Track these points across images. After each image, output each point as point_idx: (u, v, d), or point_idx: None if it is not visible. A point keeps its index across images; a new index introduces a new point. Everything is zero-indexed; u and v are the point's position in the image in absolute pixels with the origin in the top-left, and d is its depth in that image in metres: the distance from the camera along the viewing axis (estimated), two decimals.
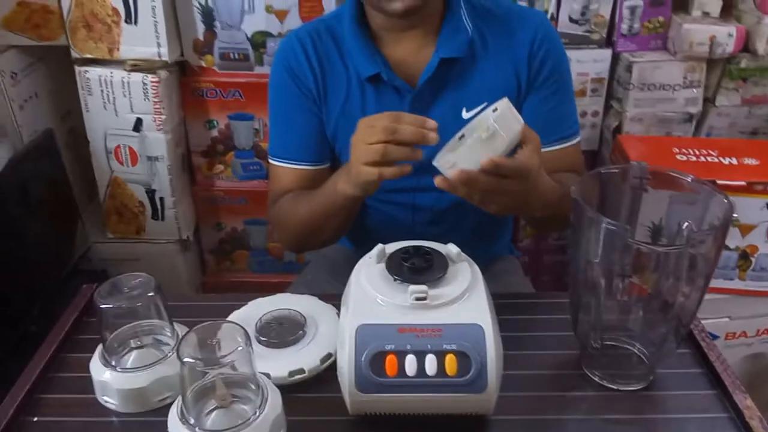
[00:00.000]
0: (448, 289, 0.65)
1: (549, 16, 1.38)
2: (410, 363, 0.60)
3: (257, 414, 0.58)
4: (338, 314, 0.75)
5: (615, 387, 0.71)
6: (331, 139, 0.94)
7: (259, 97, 1.42)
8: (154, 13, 1.30)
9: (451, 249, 0.70)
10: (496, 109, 0.72)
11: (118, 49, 1.34)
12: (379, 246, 0.70)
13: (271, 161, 0.97)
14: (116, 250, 1.53)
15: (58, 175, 1.44)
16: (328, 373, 0.70)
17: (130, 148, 1.41)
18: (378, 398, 0.61)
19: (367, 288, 0.66)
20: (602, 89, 1.47)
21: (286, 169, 0.94)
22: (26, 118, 1.38)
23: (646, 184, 0.71)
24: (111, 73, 1.34)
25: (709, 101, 1.46)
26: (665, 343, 0.69)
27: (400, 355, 0.60)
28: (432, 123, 0.70)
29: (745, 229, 1.24)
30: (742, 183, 1.19)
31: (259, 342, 0.73)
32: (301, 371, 0.70)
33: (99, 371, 0.68)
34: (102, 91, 1.35)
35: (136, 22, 1.31)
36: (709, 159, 1.27)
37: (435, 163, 0.70)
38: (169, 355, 0.68)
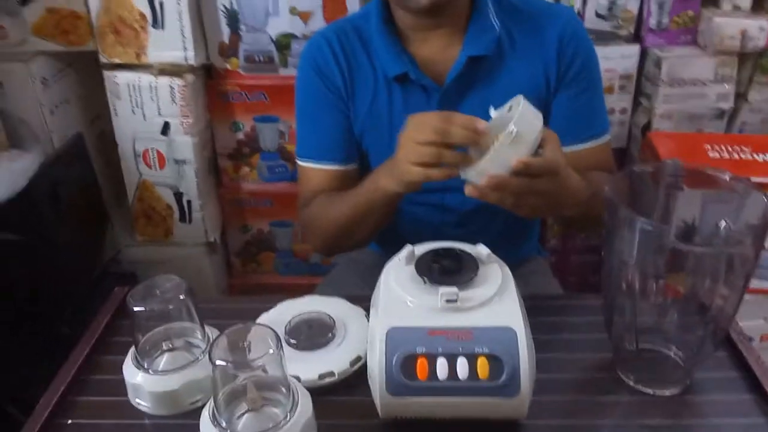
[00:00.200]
0: (478, 291, 0.64)
1: (575, 12, 1.36)
2: (441, 366, 0.59)
3: (288, 417, 0.58)
4: (367, 316, 0.75)
5: (650, 391, 0.69)
6: (358, 138, 0.94)
7: (284, 99, 1.42)
8: (180, 17, 1.31)
9: (481, 250, 0.69)
10: (510, 108, 0.71)
11: (145, 54, 1.35)
12: (408, 247, 0.69)
13: (299, 162, 0.96)
14: (145, 253, 1.55)
15: (88, 179, 1.47)
16: (358, 375, 0.69)
17: (158, 151, 1.42)
18: (409, 402, 0.60)
19: (396, 290, 0.65)
20: (630, 86, 1.44)
21: (315, 170, 0.94)
22: (57, 123, 1.40)
23: (681, 183, 0.69)
24: (139, 77, 1.36)
25: (741, 96, 1.43)
26: (702, 347, 0.67)
27: (431, 359, 0.59)
28: (482, 125, 0.68)
29: None
30: None
31: (289, 344, 0.73)
32: (331, 374, 0.69)
33: (132, 374, 0.68)
34: (130, 95, 1.37)
35: (162, 27, 1.33)
36: (742, 156, 1.24)
37: (462, 174, 0.69)
38: (200, 357, 0.69)
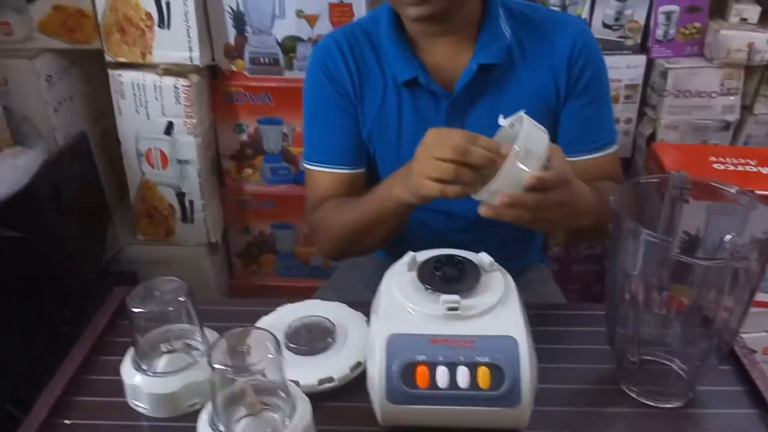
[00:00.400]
0: (480, 300, 0.63)
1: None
2: (442, 375, 0.59)
3: (286, 423, 0.58)
4: (367, 322, 0.74)
5: (653, 404, 0.68)
6: (365, 142, 0.93)
7: (289, 101, 1.42)
8: (187, 18, 1.31)
9: (484, 258, 0.69)
10: (512, 124, 0.71)
11: (150, 53, 1.35)
12: (410, 254, 0.69)
13: (307, 166, 0.95)
14: (146, 253, 1.54)
15: (90, 177, 1.47)
16: (357, 381, 0.69)
17: (161, 151, 1.42)
18: (409, 410, 0.60)
19: (397, 296, 0.65)
20: (636, 96, 1.44)
21: (323, 174, 0.93)
22: (61, 120, 1.40)
23: (686, 195, 0.69)
24: (143, 76, 1.36)
25: (746, 109, 1.43)
26: (706, 360, 0.67)
27: (432, 367, 0.59)
28: (506, 149, 0.67)
29: None
30: None
31: (288, 349, 0.72)
32: (331, 379, 0.69)
33: (130, 375, 0.68)
34: (134, 94, 1.37)
35: (168, 27, 1.33)
36: (747, 168, 1.23)
37: (474, 196, 0.69)
38: (199, 360, 0.68)
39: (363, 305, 0.75)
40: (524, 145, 0.65)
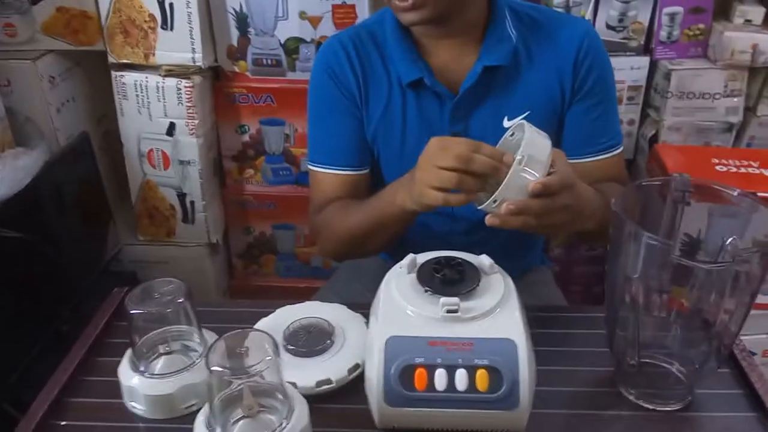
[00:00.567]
0: (480, 302, 0.63)
1: None
2: (440, 377, 0.59)
3: (284, 425, 0.57)
4: (366, 324, 0.74)
5: (651, 407, 0.68)
6: (370, 143, 0.93)
7: (291, 102, 1.42)
8: (190, 19, 1.31)
9: (484, 260, 0.68)
10: (513, 134, 0.72)
11: (153, 55, 1.35)
12: (410, 256, 0.68)
13: (311, 168, 0.95)
14: (146, 253, 1.55)
15: (92, 177, 1.47)
16: (355, 383, 0.69)
17: (163, 152, 1.42)
18: (406, 412, 0.60)
19: (397, 298, 0.64)
20: (639, 97, 1.44)
21: (327, 175, 0.93)
22: (63, 121, 1.40)
23: (688, 198, 0.68)
24: (146, 77, 1.36)
25: (750, 111, 1.42)
26: (705, 363, 0.66)
27: (430, 369, 0.59)
28: (509, 157, 0.67)
29: None
30: None
31: (287, 350, 0.72)
32: (329, 381, 0.69)
33: (127, 376, 0.68)
34: (137, 95, 1.37)
35: (171, 28, 1.33)
36: (750, 170, 1.23)
37: (478, 206, 0.69)
38: (197, 361, 0.68)
39: (363, 306, 0.75)
40: (527, 151, 0.65)
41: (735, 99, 1.39)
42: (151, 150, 1.43)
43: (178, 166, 1.43)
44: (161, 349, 0.70)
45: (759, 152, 1.35)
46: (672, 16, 1.37)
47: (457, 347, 0.59)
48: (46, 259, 1.25)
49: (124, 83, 1.37)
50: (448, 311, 0.61)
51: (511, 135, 0.72)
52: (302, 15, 1.36)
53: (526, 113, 0.87)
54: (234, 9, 1.36)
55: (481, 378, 0.58)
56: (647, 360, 0.69)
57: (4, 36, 1.35)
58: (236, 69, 1.43)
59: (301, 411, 0.59)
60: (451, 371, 0.59)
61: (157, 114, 1.38)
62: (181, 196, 1.47)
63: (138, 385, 0.67)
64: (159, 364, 0.69)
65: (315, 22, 1.36)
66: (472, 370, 0.58)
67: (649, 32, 1.40)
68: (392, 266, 0.70)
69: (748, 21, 1.37)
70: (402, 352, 0.60)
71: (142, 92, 1.37)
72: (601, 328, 0.71)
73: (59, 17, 1.36)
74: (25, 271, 1.19)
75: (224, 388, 0.57)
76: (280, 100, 1.44)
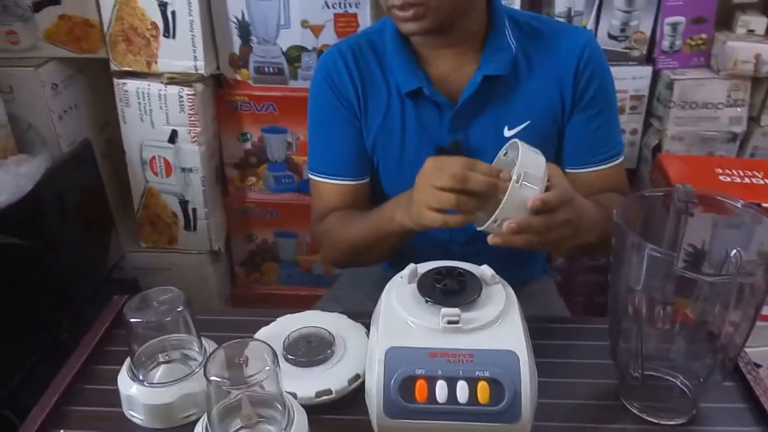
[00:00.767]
0: (481, 313, 0.63)
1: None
2: (441, 389, 0.58)
3: None
4: (367, 334, 0.73)
5: (655, 420, 0.67)
6: (369, 153, 0.93)
7: (293, 110, 1.42)
8: (192, 27, 1.32)
9: (485, 271, 0.68)
10: (506, 152, 0.72)
11: (155, 62, 1.36)
12: (411, 266, 0.68)
13: (311, 176, 0.95)
14: (148, 260, 1.54)
15: (94, 184, 1.47)
16: (355, 394, 0.68)
17: (165, 159, 1.42)
18: (407, 424, 0.59)
19: (397, 309, 0.64)
20: (642, 107, 1.43)
21: (328, 185, 0.93)
22: (65, 128, 1.41)
23: (691, 209, 0.68)
24: (148, 85, 1.36)
25: (753, 120, 1.42)
26: (710, 376, 0.66)
27: (431, 381, 0.58)
28: (506, 173, 0.67)
29: None
30: None
31: (287, 360, 0.72)
32: (329, 392, 0.68)
33: (126, 385, 0.67)
34: (139, 103, 1.37)
35: (174, 36, 1.33)
36: (754, 180, 1.22)
37: (480, 228, 0.69)
38: (196, 371, 0.68)
39: (364, 316, 0.75)
40: (523, 169, 0.65)
41: (738, 109, 1.39)
42: (154, 157, 1.43)
43: (180, 174, 1.43)
44: (160, 358, 0.69)
45: (763, 162, 1.34)
46: (674, 26, 1.37)
47: (458, 359, 0.59)
48: (48, 266, 1.24)
49: (126, 91, 1.37)
50: (449, 322, 0.60)
51: (505, 154, 0.72)
52: (304, 23, 1.36)
53: (526, 123, 0.87)
54: (236, 17, 1.36)
55: (483, 390, 0.57)
56: (651, 372, 0.68)
57: (6, 43, 1.36)
58: (238, 77, 1.43)
59: (301, 421, 0.59)
60: (451, 383, 0.58)
61: (160, 122, 1.38)
62: (183, 203, 1.47)
63: (137, 394, 0.66)
64: (158, 373, 0.68)
65: (317, 30, 1.37)
66: (473, 382, 0.58)
67: (652, 42, 1.40)
68: (393, 276, 0.69)
69: (750, 31, 1.37)
70: (402, 363, 0.59)
71: (144, 100, 1.37)
72: (605, 340, 0.71)
73: (62, 25, 1.36)
74: (26, 278, 1.19)
75: (223, 398, 0.57)
76: (282, 108, 1.44)
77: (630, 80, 1.41)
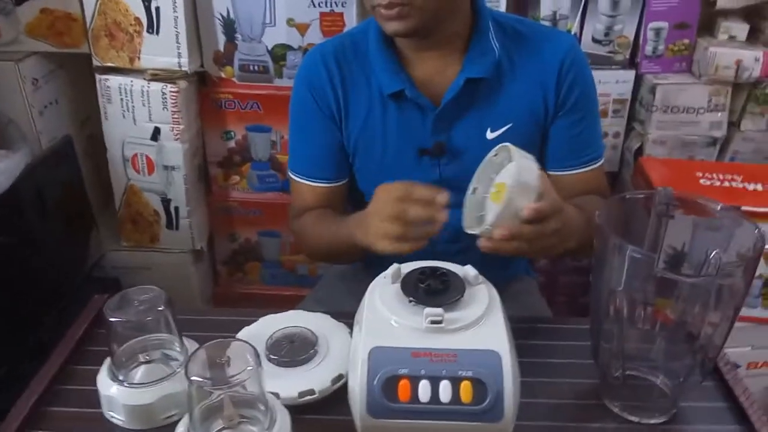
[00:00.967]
0: (464, 313, 0.63)
1: (573, 36, 1.37)
2: (424, 389, 0.58)
3: None
4: (350, 333, 0.73)
5: (636, 419, 0.68)
6: (351, 156, 0.94)
7: (278, 109, 1.41)
8: (176, 23, 1.30)
9: (469, 271, 0.68)
10: (496, 153, 0.72)
11: (138, 59, 1.34)
12: (395, 265, 0.68)
13: (290, 174, 0.97)
14: (130, 259, 1.53)
15: (74, 181, 1.45)
16: (338, 394, 0.68)
17: (147, 156, 1.41)
18: (390, 424, 0.59)
19: (381, 309, 0.64)
20: (624, 110, 1.45)
21: (304, 185, 0.95)
22: (45, 123, 1.39)
23: (672, 211, 0.68)
24: (131, 81, 1.34)
25: (733, 125, 1.44)
26: (690, 376, 0.66)
27: (414, 380, 0.58)
28: (444, 198, 0.70)
29: None
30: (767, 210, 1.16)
31: (269, 360, 0.71)
32: (312, 392, 0.68)
33: (106, 386, 0.66)
34: (121, 99, 1.36)
35: (157, 32, 1.32)
36: (733, 184, 1.24)
37: (470, 231, 0.70)
38: (177, 371, 0.67)
39: (347, 316, 0.74)
40: (518, 177, 0.66)
41: (719, 114, 1.40)
42: (136, 155, 1.41)
43: (163, 172, 1.42)
44: (141, 358, 0.69)
45: (742, 166, 1.36)
46: (657, 31, 1.38)
47: (441, 358, 0.59)
48: (27, 263, 1.22)
49: (108, 87, 1.35)
50: (432, 322, 0.61)
51: (495, 155, 0.73)
52: (290, 22, 1.35)
53: (509, 125, 0.87)
54: (221, 14, 1.35)
55: (465, 390, 0.58)
56: (632, 372, 0.69)
57: None
58: (222, 75, 1.42)
59: (283, 422, 0.59)
60: (435, 383, 0.58)
61: (142, 118, 1.37)
62: (166, 201, 1.46)
63: (117, 394, 0.65)
64: (138, 374, 0.67)
65: (302, 29, 1.36)
66: (456, 382, 0.58)
67: (635, 46, 1.41)
68: (376, 276, 0.69)
69: (732, 37, 1.39)
70: (385, 363, 0.59)
71: (126, 96, 1.35)
72: (586, 340, 0.71)
73: (43, 19, 1.34)
74: (4, 277, 1.17)
75: (204, 399, 0.57)
76: (266, 106, 1.43)
77: (613, 84, 1.42)
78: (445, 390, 0.58)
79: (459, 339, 0.60)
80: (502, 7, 1.34)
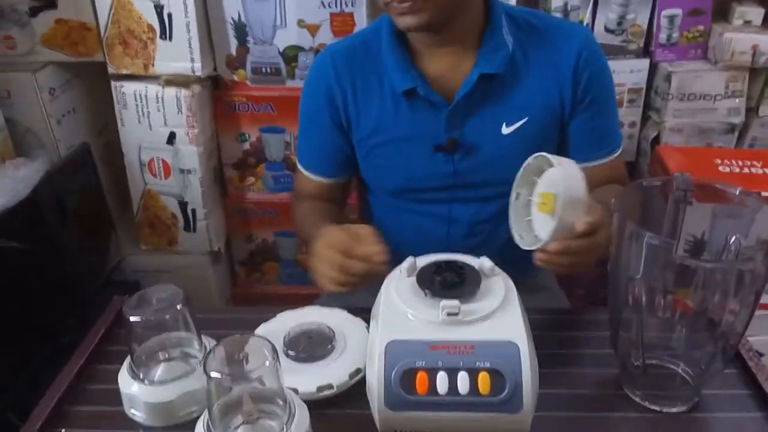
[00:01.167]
0: (481, 305, 0.62)
1: (586, 26, 1.36)
2: (442, 381, 0.58)
3: (284, 430, 0.57)
4: (367, 328, 0.73)
5: (657, 408, 0.67)
6: (364, 158, 0.94)
7: (291, 110, 1.42)
8: (188, 29, 1.32)
9: (485, 263, 0.68)
10: (535, 157, 0.72)
11: (153, 65, 1.36)
12: (410, 259, 0.68)
13: (297, 163, 1.02)
14: (148, 262, 1.54)
15: (93, 187, 1.47)
16: (356, 388, 0.68)
17: (164, 161, 1.42)
18: (408, 416, 0.59)
19: (397, 302, 0.64)
20: (640, 99, 1.43)
21: (307, 177, 0.99)
22: (64, 132, 1.41)
23: (690, 197, 0.68)
24: (146, 87, 1.36)
25: (752, 111, 1.41)
26: (711, 364, 0.66)
27: (431, 373, 0.58)
28: (382, 257, 0.72)
29: None
30: None
31: (287, 356, 0.72)
32: (330, 387, 0.68)
33: (127, 384, 0.67)
34: (137, 105, 1.37)
35: (170, 39, 1.33)
36: (753, 170, 1.22)
37: (524, 246, 0.70)
38: (196, 368, 0.68)
39: (364, 311, 0.75)
40: (569, 193, 0.66)
41: (736, 100, 1.38)
42: (152, 159, 1.43)
43: (179, 175, 1.43)
44: (161, 356, 0.69)
45: (762, 152, 1.34)
46: (671, 19, 1.37)
47: (459, 350, 0.59)
48: (48, 269, 1.24)
49: (123, 93, 1.37)
50: (449, 314, 0.60)
51: (535, 157, 0.72)
52: (300, 23, 1.36)
53: (524, 120, 0.87)
54: (232, 18, 1.36)
55: (483, 381, 0.57)
56: (652, 361, 0.68)
57: (3, 48, 1.36)
58: (235, 78, 1.43)
59: (302, 417, 0.59)
60: (452, 374, 0.58)
61: (157, 123, 1.38)
62: (183, 204, 1.47)
63: (138, 392, 0.66)
64: (158, 372, 0.68)
65: (313, 30, 1.37)
66: (473, 373, 0.58)
67: (649, 35, 1.39)
68: (392, 269, 0.69)
69: (747, 22, 1.37)
70: (403, 356, 0.59)
71: (141, 102, 1.37)
72: (605, 330, 0.71)
73: (58, 29, 1.36)
74: (26, 282, 1.19)
75: (223, 395, 0.57)
76: (279, 107, 1.44)
77: (628, 73, 1.40)
78: (462, 381, 0.58)
79: (476, 330, 0.60)
80: (513, 0, 1.33)
